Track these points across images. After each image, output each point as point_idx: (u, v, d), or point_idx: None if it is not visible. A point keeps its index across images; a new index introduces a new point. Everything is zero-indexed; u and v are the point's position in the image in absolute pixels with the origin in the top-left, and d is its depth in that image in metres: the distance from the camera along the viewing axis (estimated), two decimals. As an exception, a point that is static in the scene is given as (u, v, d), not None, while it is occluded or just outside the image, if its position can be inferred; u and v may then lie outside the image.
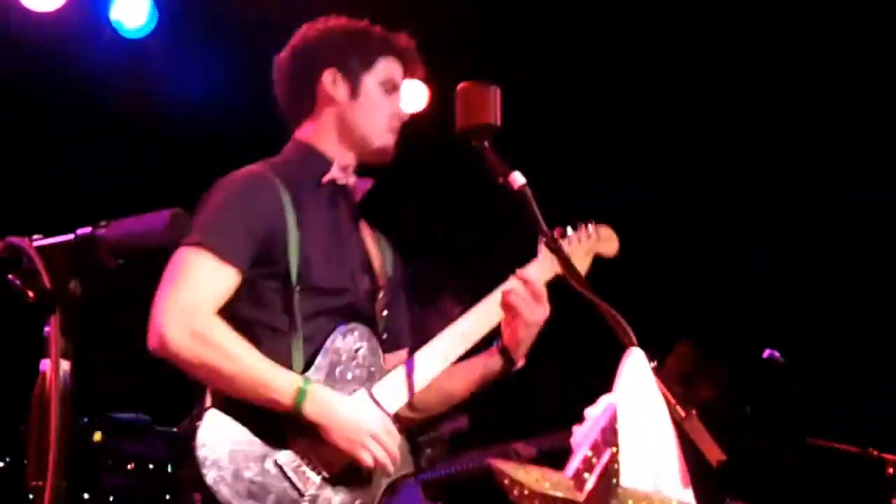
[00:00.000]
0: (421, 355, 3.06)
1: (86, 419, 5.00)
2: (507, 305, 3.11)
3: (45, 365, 1.81)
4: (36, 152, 6.17)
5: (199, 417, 2.82)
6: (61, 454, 1.79)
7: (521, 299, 3.08)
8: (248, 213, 2.92)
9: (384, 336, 3.12)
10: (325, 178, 3.09)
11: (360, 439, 2.80)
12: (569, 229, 3.42)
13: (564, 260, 2.54)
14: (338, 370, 2.95)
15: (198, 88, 6.21)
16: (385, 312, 3.16)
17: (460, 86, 2.92)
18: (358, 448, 2.80)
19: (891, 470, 4.77)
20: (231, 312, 2.89)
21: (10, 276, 1.82)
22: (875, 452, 4.83)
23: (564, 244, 3.33)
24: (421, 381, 3.02)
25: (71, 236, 1.84)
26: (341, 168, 3.12)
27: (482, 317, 3.15)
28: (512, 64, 6.24)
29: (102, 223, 1.82)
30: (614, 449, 1.72)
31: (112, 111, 6.23)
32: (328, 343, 2.96)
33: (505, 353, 3.19)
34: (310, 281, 2.96)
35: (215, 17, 6.15)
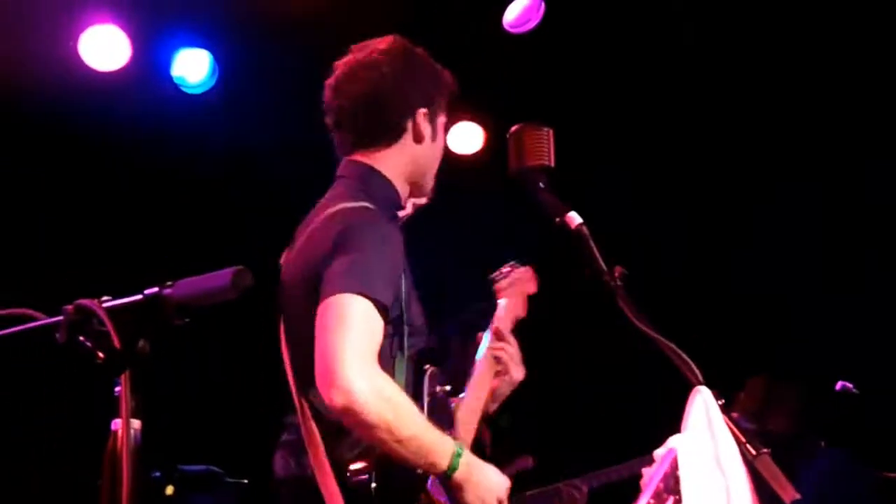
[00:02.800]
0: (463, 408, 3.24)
1: (157, 473, 5.04)
2: (498, 360, 3.31)
3: (117, 424, 1.84)
4: (101, 209, 6.28)
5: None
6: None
7: (510, 357, 3.31)
8: (392, 261, 2.84)
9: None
10: (402, 214, 3.09)
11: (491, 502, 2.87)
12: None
13: (624, 299, 2.53)
14: (433, 417, 2.93)
15: (260, 141, 6.28)
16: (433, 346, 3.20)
17: (513, 128, 2.93)
18: None
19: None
20: None
21: (80, 337, 1.85)
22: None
23: (502, 286, 3.59)
24: (471, 432, 3.20)
25: (139, 296, 1.87)
26: (406, 203, 3.14)
27: (487, 373, 3.32)
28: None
29: (168, 283, 1.85)
30: (676, 497, 1.71)
31: (176, 167, 6.33)
32: (425, 389, 3.00)
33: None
34: (411, 322, 2.93)
35: (274, 70, 6.23)
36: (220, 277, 1.81)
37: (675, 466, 1.74)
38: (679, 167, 6.81)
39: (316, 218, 2.96)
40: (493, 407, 3.35)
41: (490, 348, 3.33)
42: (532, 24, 5.96)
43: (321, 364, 2.64)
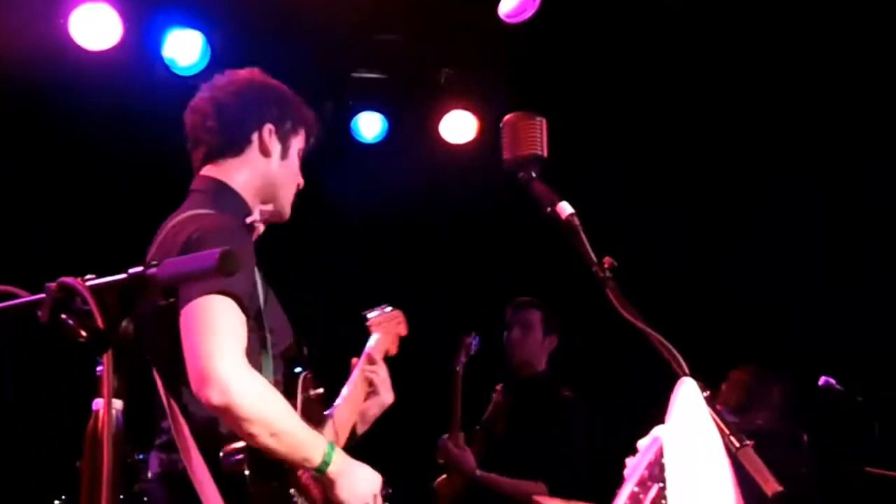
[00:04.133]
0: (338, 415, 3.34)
1: (142, 455, 5.02)
2: (370, 382, 3.46)
3: (98, 404, 1.82)
4: (88, 190, 6.25)
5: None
6: (114, 491, 1.81)
7: (381, 381, 3.47)
8: (247, 261, 2.93)
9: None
10: (249, 220, 3.18)
11: (366, 499, 2.97)
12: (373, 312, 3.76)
13: (613, 290, 2.52)
14: (305, 417, 3.01)
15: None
16: (307, 352, 3.26)
17: (506, 118, 2.92)
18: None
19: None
20: None
21: (63, 315, 1.83)
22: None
23: (375, 322, 3.68)
24: (340, 442, 3.27)
25: (123, 276, 1.85)
26: (256, 213, 3.23)
27: (360, 392, 3.45)
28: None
29: (153, 262, 1.83)
30: (661, 485, 1.71)
31: (165, 149, 6.29)
32: (298, 390, 3.07)
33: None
34: (269, 323, 3.03)
35: (267, 53, 6.20)
36: (207, 258, 1.79)
37: (660, 455, 1.74)
38: (679, 167, 6.82)
39: (166, 227, 3.07)
40: (363, 428, 3.49)
41: (363, 370, 3.49)
42: (528, 15, 5.94)
43: (194, 366, 2.73)
